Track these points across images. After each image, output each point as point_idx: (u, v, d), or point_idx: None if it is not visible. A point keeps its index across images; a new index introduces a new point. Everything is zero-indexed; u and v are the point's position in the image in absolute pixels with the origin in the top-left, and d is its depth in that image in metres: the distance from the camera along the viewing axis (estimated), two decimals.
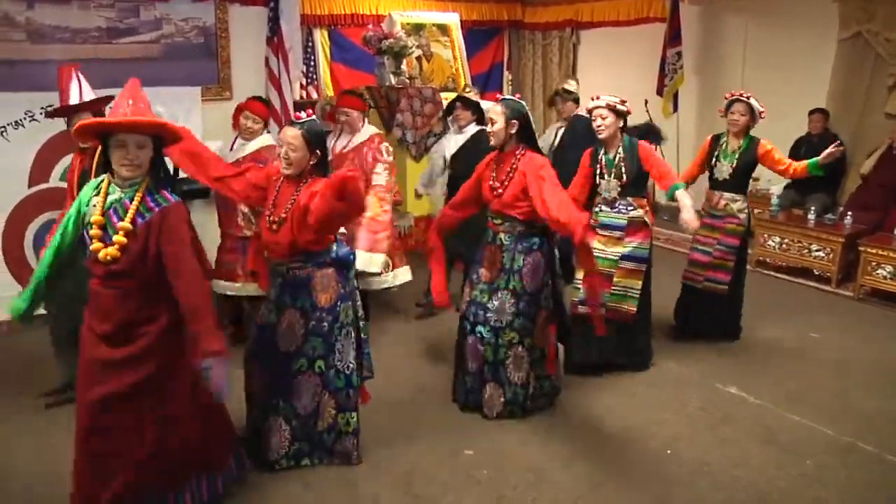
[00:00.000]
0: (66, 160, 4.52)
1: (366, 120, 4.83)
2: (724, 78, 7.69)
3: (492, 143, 3.65)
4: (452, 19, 7.74)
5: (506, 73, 9.71)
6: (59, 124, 4.13)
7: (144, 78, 4.97)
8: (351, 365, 3.32)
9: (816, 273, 6.09)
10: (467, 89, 5.99)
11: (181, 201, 2.70)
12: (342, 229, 3.84)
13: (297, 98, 6.66)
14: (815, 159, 4.40)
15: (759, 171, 4.97)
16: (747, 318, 4.91)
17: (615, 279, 4.14)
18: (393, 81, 6.24)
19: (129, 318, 2.64)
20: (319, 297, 3.20)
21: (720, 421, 3.85)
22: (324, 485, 3.27)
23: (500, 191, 3.61)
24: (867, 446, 3.60)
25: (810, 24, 6.86)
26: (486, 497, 3.21)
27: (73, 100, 3.72)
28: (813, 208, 6.18)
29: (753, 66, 7.38)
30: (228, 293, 4.52)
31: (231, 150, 4.52)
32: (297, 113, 3.24)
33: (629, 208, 4.14)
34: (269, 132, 4.58)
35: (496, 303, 3.68)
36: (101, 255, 2.57)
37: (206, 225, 4.46)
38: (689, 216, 3.91)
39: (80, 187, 2.66)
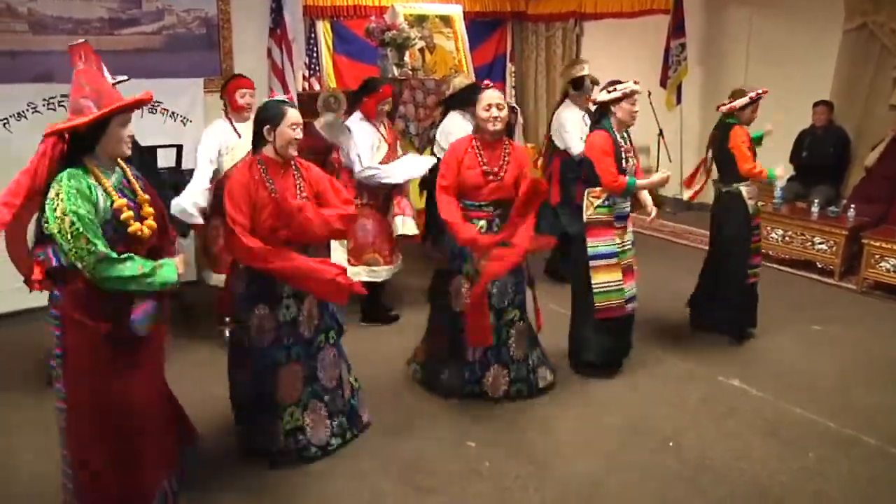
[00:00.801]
0: None
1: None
2: (728, 70, 7.67)
3: (498, 128, 3.69)
4: (455, 10, 7.72)
5: (509, 64, 9.68)
6: (63, 115, 4.12)
7: (146, 69, 4.99)
8: (341, 321, 3.46)
9: (819, 266, 6.08)
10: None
11: None
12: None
13: (300, 89, 6.65)
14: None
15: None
16: None
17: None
18: (396, 73, 6.23)
19: None
20: None
21: (722, 414, 3.85)
22: (326, 476, 3.28)
23: (500, 175, 3.69)
24: (869, 440, 3.59)
25: (815, 15, 6.83)
26: (488, 489, 3.21)
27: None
28: (816, 200, 6.16)
29: (757, 58, 7.35)
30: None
31: (240, 137, 4.45)
32: None
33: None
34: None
35: (498, 286, 3.76)
36: (143, 232, 2.56)
37: None
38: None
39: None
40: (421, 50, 7.07)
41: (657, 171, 7.46)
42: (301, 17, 6.89)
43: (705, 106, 7.87)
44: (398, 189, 4.84)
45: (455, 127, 4.99)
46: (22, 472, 3.28)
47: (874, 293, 5.67)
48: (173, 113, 5.39)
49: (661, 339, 4.62)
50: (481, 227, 3.73)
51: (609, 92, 3.95)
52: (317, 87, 7.15)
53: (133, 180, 2.64)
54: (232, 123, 4.49)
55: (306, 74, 7.22)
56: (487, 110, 3.64)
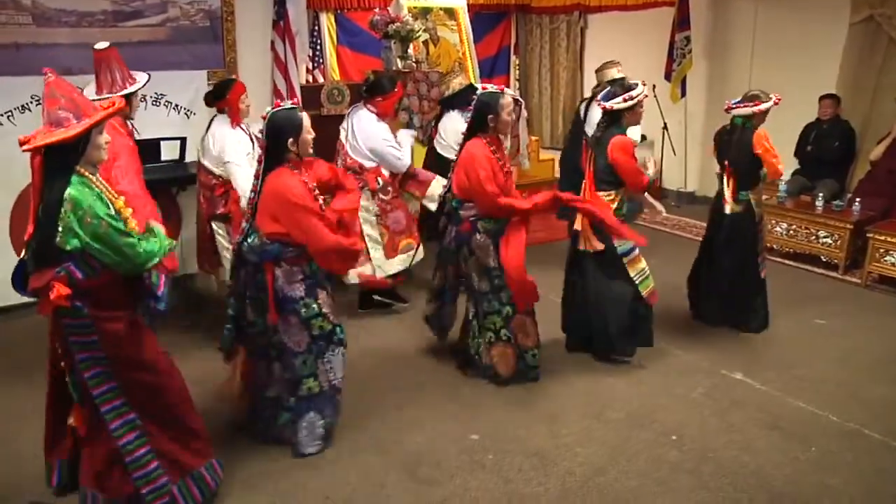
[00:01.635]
0: None
1: None
2: (733, 63, 7.64)
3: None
4: (459, 3, 7.69)
5: (513, 57, 9.66)
6: None
7: (150, 61, 4.99)
8: None
9: (824, 260, 6.06)
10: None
11: None
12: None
13: (303, 82, 6.65)
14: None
15: None
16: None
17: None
18: (399, 66, 6.21)
19: None
20: None
21: (726, 407, 3.85)
22: (330, 468, 3.30)
23: (508, 170, 3.93)
24: (873, 433, 3.59)
25: (821, 8, 6.79)
26: (491, 481, 3.22)
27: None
28: (821, 194, 6.14)
29: (762, 51, 7.33)
30: None
31: (252, 141, 4.42)
32: None
33: None
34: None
35: None
36: (136, 229, 2.66)
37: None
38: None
39: None
40: (425, 42, 7.05)
41: (661, 164, 7.47)
42: (304, 9, 6.87)
43: (710, 99, 7.85)
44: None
45: (461, 126, 5.00)
46: (31, 462, 3.30)
47: (878, 287, 5.65)
48: (177, 105, 5.40)
49: (664, 332, 4.62)
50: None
51: (625, 101, 4.02)
52: (320, 79, 7.13)
53: (107, 184, 2.72)
54: (245, 131, 4.43)
55: (310, 67, 7.20)
56: (510, 115, 3.81)
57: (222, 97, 4.35)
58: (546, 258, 5.37)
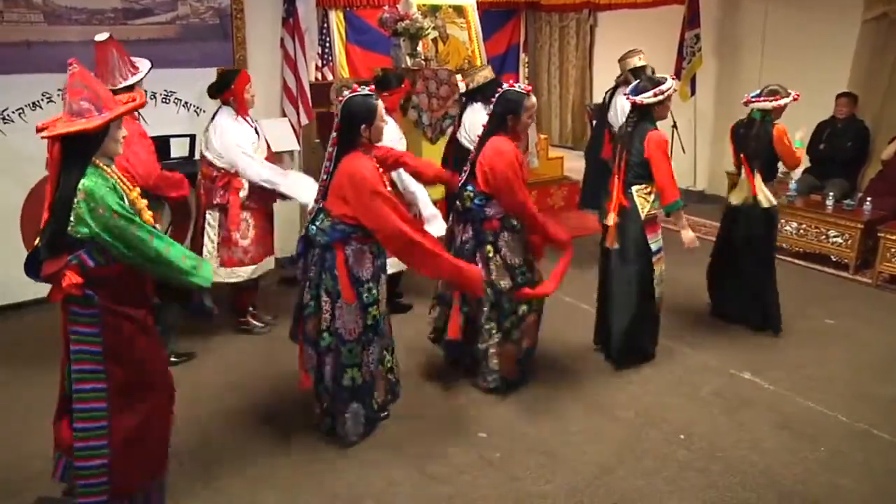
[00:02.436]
0: None
1: None
2: (743, 61, 7.60)
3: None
4: (469, 1, 7.69)
5: (522, 55, 9.65)
6: None
7: (159, 59, 4.98)
8: None
9: (834, 259, 6.03)
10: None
11: None
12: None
13: (312, 79, 6.66)
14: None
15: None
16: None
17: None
18: (409, 63, 6.22)
19: None
20: None
21: (735, 406, 3.84)
22: (339, 464, 3.31)
23: None
24: (883, 434, 3.58)
25: (832, 5, 6.74)
26: (499, 478, 3.23)
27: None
28: (831, 194, 6.11)
29: (773, 49, 7.28)
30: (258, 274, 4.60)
31: (257, 134, 4.44)
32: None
33: None
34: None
35: None
36: (150, 221, 2.69)
37: None
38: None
39: None
40: (434, 40, 7.05)
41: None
42: (314, 6, 6.89)
43: (719, 98, 7.82)
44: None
45: (483, 118, 4.97)
46: (41, 456, 3.31)
47: (889, 287, 5.62)
48: (186, 103, 5.41)
49: (673, 331, 4.61)
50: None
51: (655, 95, 3.99)
52: (329, 77, 7.15)
53: (123, 175, 2.73)
54: (249, 122, 4.42)
55: (319, 64, 7.22)
56: (530, 118, 3.79)
57: (227, 87, 4.34)
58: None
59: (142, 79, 3.87)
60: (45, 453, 3.24)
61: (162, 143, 4.87)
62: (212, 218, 4.42)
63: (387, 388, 3.63)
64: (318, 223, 3.30)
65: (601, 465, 3.32)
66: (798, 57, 6.90)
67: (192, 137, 5.09)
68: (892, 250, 5.53)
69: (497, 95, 3.79)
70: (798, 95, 4.45)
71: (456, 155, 5.30)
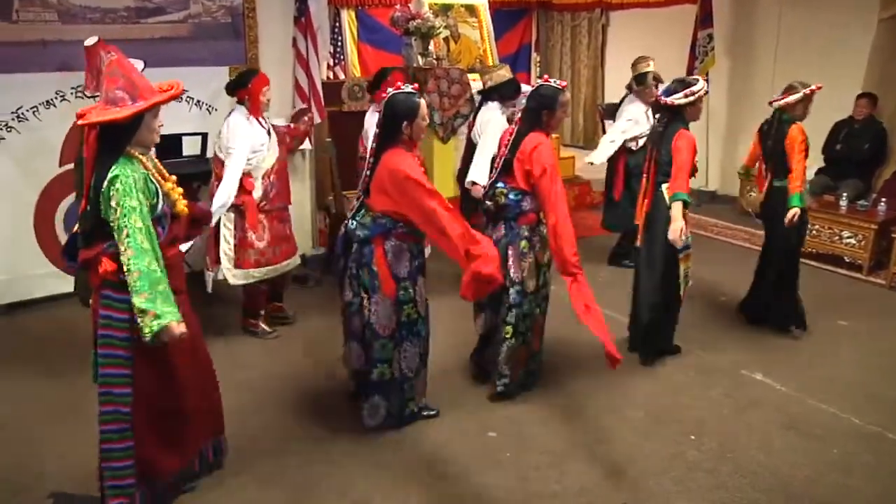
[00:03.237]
0: None
1: None
2: (757, 60, 7.56)
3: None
4: (480, 0, 7.68)
5: (534, 54, 9.64)
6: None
7: (172, 58, 5.02)
8: None
9: (847, 260, 5.99)
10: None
11: None
12: None
13: (324, 78, 6.67)
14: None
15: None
16: None
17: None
18: (420, 62, 6.23)
19: None
20: None
21: (745, 407, 3.83)
22: (346, 463, 3.32)
23: None
24: (894, 436, 3.55)
25: (848, 3, 6.69)
26: (508, 478, 3.22)
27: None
28: (845, 194, 6.06)
29: (787, 49, 7.23)
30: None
31: (269, 135, 4.43)
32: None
33: None
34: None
35: None
36: (184, 210, 2.74)
37: None
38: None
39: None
40: (446, 39, 7.06)
41: None
42: (326, 5, 6.90)
43: (732, 98, 7.78)
44: None
45: (497, 117, 4.95)
46: (52, 453, 3.35)
47: None
48: (198, 101, 5.44)
49: (684, 331, 4.59)
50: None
51: (686, 96, 4.01)
52: (341, 76, 7.17)
53: (160, 165, 2.76)
54: (262, 124, 4.41)
55: (331, 63, 7.24)
56: (565, 114, 3.78)
57: (244, 85, 4.34)
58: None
59: None
60: (59, 451, 3.30)
61: (174, 142, 4.90)
62: (227, 219, 4.38)
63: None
64: (358, 218, 3.35)
65: (610, 465, 3.31)
66: (813, 57, 6.84)
67: (205, 136, 5.11)
68: None
69: (531, 90, 3.78)
70: (818, 87, 4.44)
71: (471, 154, 5.27)
